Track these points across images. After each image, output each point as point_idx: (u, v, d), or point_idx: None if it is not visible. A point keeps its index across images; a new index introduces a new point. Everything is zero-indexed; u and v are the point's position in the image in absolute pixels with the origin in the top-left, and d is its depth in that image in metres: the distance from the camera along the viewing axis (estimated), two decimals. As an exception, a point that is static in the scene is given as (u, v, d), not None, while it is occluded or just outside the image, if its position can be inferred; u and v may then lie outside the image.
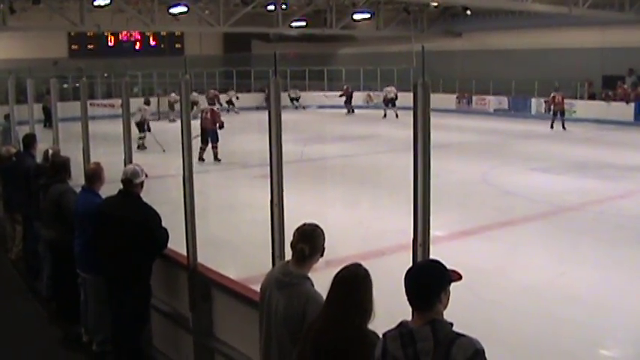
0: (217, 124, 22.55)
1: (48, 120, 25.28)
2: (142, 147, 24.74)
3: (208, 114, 22.78)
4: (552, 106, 32.86)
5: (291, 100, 44.28)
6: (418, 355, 3.43)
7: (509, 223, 14.06)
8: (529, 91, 37.18)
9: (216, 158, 22.36)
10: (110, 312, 7.31)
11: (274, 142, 5.20)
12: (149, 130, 26.34)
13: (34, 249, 10.35)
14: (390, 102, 39.31)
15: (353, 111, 41.27)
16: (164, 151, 23.02)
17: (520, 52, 38.47)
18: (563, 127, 31.93)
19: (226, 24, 35.42)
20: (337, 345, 3.97)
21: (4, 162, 11.52)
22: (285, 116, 5.28)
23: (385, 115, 39.41)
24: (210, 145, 22.43)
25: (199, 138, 21.46)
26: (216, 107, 24.61)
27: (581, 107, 35.61)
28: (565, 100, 32.89)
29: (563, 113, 32.51)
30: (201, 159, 21.42)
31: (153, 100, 35.34)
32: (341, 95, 42.10)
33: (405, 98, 37.63)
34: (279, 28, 38.64)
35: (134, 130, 27.27)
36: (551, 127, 32.13)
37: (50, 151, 9.87)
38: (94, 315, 7.85)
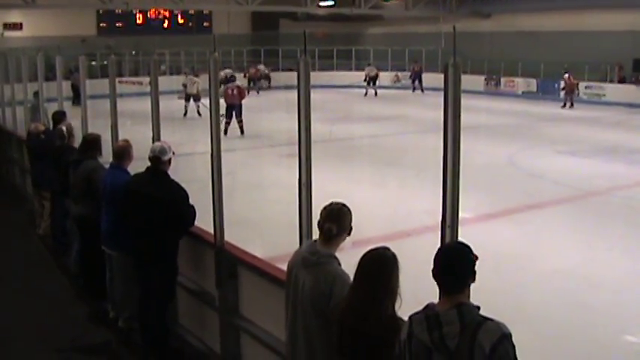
0: (242, 99, 24.02)
1: (77, 97, 25.42)
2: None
3: (234, 90, 23.80)
4: (565, 87, 33.96)
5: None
6: (444, 338, 3.42)
7: (537, 207, 13.96)
8: (558, 73, 36.85)
9: (242, 132, 23.53)
10: (136, 289, 7.36)
11: (303, 122, 5.19)
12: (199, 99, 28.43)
13: (63, 225, 10.44)
14: (371, 80, 40.43)
15: (375, 93, 41.23)
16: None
17: (549, 34, 38.02)
18: (572, 105, 33.18)
19: (254, 2, 35.44)
20: (364, 327, 3.97)
21: (33, 139, 11.60)
22: (314, 95, 5.26)
23: (366, 94, 40.30)
24: (235, 119, 23.50)
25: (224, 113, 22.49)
26: (241, 84, 25.83)
27: (611, 91, 35.27)
28: (593, 83, 33.50)
29: (572, 91, 33.77)
30: (225, 132, 21.97)
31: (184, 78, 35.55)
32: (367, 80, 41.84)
33: (432, 79, 37.57)
34: (307, 7, 38.60)
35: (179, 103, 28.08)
36: (565, 106, 33.46)
37: (64, 129, 9.94)
38: (120, 292, 7.92)
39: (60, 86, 12.91)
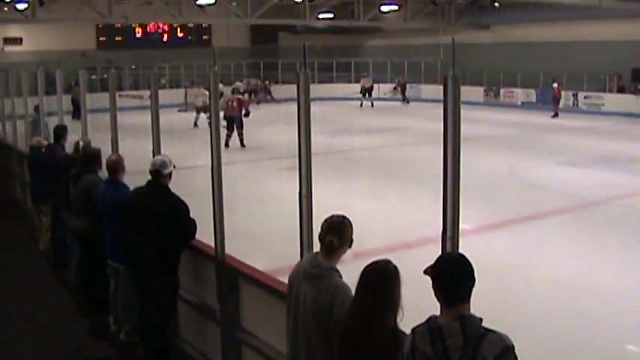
0: (243, 112, 23.98)
1: (76, 111, 25.44)
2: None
3: (234, 102, 23.78)
4: (556, 96, 34.44)
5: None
6: (447, 351, 3.42)
7: (537, 217, 13.97)
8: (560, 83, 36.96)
9: (242, 144, 23.55)
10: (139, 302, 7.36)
11: (303, 134, 5.20)
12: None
13: (63, 239, 10.44)
14: (366, 92, 40.89)
15: (369, 104, 41.25)
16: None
17: (548, 45, 38.11)
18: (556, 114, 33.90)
19: (253, 16, 35.43)
20: (365, 339, 3.96)
21: (35, 153, 11.61)
22: (313, 108, 5.27)
23: (362, 105, 40.54)
24: (235, 131, 23.56)
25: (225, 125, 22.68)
26: (243, 97, 25.73)
27: (610, 101, 35.36)
28: (592, 93, 34.73)
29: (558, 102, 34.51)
30: (226, 145, 22.38)
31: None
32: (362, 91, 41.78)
33: (432, 91, 37.64)
34: (306, 20, 38.60)
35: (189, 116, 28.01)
36: (557, 115, 33.89)
37: (81, 143, 9.94)
38: (123, 305, 7.91)
39: (60, 100, 12.92)
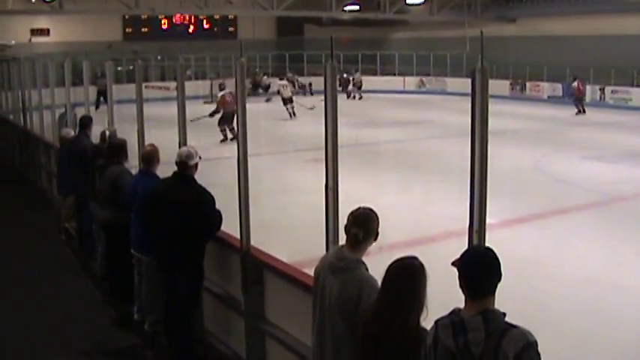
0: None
1: (99, 102, 25.59)
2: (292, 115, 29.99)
3: (231, 97, 23.09)
4: (577, 93, 33.15)
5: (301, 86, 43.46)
6: (469, 345, 3.41)
7: (562, 212, 13.89)
8: (584, 78, 36.61)
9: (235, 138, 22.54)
10: (164, 293, 7.39)
11: (330, 126, 5.19)
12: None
13: (89, 229, 10.50)
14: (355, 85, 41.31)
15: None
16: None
17: (575, 39, 37.75)
18: (583, 110, 32.75)
19: (279, 7, 35.49)
20: (388, 336, 3.95)
21: (64, 145, 11.69)
22: (339, 100, 5.26)
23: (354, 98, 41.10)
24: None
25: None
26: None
27: (638, 95, 35.00)
28: (619, 88, 33.93)
29: (581, 98, 33.05)
30: (234, 139, 21.63)
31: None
32: None
33: (457, 84, 37.50)
34: (332, 12, 38.57)
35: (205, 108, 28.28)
36: (583, 111, 32.77)
37: (107, 133, 9.99)
38: (147, 295, 7.95)
39: (87, 91, 13.00)
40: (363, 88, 41.72)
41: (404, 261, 4.05)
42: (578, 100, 32.91)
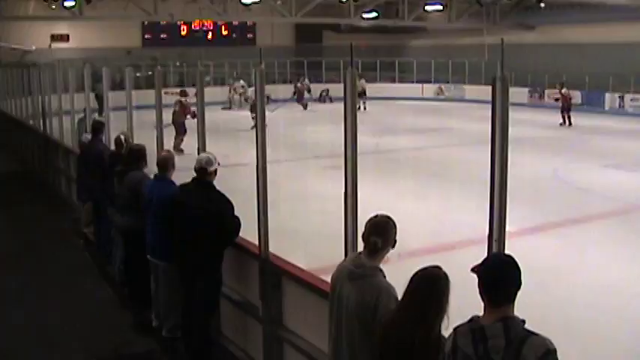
0: (187, 116, 20.83)
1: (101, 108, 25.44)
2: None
3: (177, 106, 21.76)
4: (563, 102, 32.02)
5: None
6: (489, 352, 3.40)
7: (582, 221, 13.82)
8: (603, 86, 36.36)
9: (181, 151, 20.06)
10: (181, 299, 7.40)
11: (349, 134, 5.18)
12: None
13: (108, 234, 10.53)
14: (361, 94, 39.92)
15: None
16: None
17: (594, 47, 37.57)
18: (569, 122, 31.31)
19: (298, 14, 35.58)
20: (409, 345, 3.93)
21: (82, 150, 11.74)
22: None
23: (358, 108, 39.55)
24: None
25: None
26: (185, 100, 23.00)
27: (658, 103, 34.81)
28: (639, 95, 33.30)
29: (569, 109, 31.65)
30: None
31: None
32: None
33: (476, 92, 37.40)
34: (350, 19, 38.64)
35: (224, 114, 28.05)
36: (569, 123, 31.31)
37: (122, 137, 9.98)
38: (164, 301, 7.95)
39: (107, 97, 13.05)
40: (381, 95, 41.50)
41: (429, 270, 4.03)
42: (566, 110, 31.66)
